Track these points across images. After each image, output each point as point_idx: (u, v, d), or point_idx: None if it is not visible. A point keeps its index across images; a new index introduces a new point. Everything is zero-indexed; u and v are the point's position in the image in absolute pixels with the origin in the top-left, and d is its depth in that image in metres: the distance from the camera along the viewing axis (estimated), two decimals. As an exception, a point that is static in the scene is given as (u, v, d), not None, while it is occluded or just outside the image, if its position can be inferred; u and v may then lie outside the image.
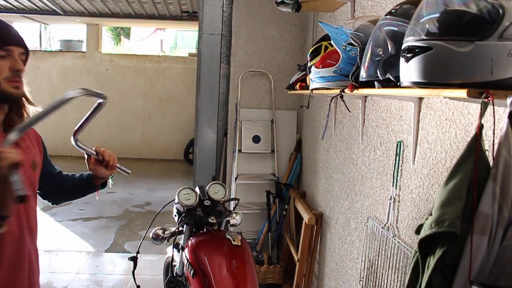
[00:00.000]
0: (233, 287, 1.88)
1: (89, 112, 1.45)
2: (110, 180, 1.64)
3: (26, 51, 1.36)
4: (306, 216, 2.80)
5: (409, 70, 0.93)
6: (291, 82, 2.80)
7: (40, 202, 1.54)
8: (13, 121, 1.35)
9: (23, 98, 1.40)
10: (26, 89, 1.39)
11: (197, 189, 2.28)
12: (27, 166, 1.33)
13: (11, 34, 1.32)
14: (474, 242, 0.83)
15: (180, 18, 7.78)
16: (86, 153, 1.54)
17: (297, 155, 3.60)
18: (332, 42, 1.76)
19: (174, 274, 2.46)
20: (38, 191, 1.54)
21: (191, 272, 2.00)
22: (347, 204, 2.36)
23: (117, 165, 1.58)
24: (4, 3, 7.28)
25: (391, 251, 1.72)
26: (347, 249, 2.34)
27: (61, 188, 1.63)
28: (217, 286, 1.88)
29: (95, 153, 1.52)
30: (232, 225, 2.37)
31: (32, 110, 1.43)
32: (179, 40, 13.52)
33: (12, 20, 8.80)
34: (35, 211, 1.46)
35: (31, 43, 10.70)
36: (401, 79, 0.99)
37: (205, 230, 2.24)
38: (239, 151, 3.57)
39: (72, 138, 1.48)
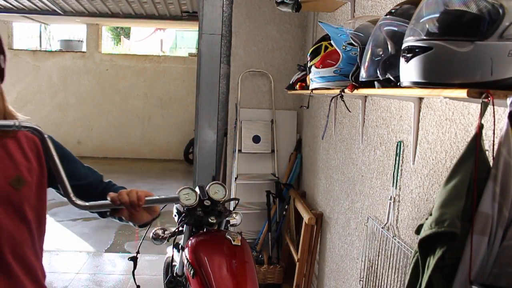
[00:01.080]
0: (233, 287, 1.89)
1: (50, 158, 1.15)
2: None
3: None
4: (306, 216, 2.80)
5: (409, 70, 0.93)
6: (291, 82, 2.80)
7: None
8: None
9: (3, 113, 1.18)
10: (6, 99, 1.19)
11: (197, 189, 2.28)
12: (0, 181, 1.13)
13: None
14: (474, 242, 0.83)
15: (180, 18, 7.77)
16: (101, 210, 1.23)
17: (297, 155, 3.60)
18: (332, 42, 1.76)
19: (174, 274, 2.46)
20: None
21: (191, 272, 2.00)
22: (347, 204, 2.36)
23: (150, 197, 1.22)
24: (4, 3, 7.27)
25: (391, 251, 1.72)
26: (347, 249, 2.34)
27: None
28: (217, 286, 1.88)
29: (109, 202, 1.20)
30: (232, 225, 2.37)
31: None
32: (179, 40, 13.51)
33: (12, 20, 8.82)
34: (23, 243, 1.18)
35: (31, 43, 10.71)
36: (401, 79, 0.99)
37: (205, 230, 2.24)
38: (239, 151, 3.57)
39: (70, 202, 1.15)
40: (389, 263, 1.73)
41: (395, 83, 1.18)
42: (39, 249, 1.25)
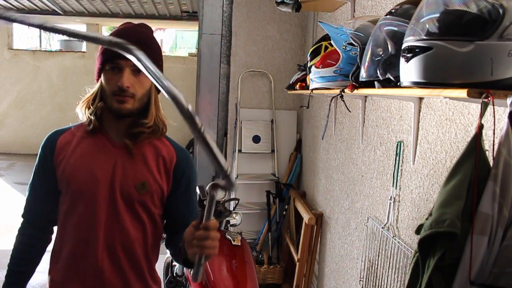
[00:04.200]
0: (233, 287, 1.89)
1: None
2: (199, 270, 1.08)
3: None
4: (306, 216, 2.80)
5: (409, 70, 0.93)
6: (291, 82, 2.80)
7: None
8: (132, 133, 1.29)
9: (154, 119, 1.34)
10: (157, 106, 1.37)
11: (197, 189, 2.28)
12: (129, 182, 1.27)
13: None
14: (474, 242, 0.83)
15: (180, 18, 7.77)
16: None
17: (297, 155, 3.60)
18: (332, 42, 1.76)
19: (174, 274, 2.47)
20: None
21: (191, 272, 2.00)
22: (347, 204, 2.36)
23: (202, 259, 1.05)
24: (4, 3, 7.27)
25: (391, 251, 1.72)
26: (347, 249, 2.34)
27: (174, 239, 1.36)
28: (217, 286, 1.88)
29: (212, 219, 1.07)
30: (232, 225, 2.38)
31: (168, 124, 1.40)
32: (179, 40, 13.50)
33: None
34: (136, 240, 1.30)
35: (31, 43, 10.71)
36: (401, 79, 0.99)
37: (205, 230, 2.24)
38: (239, 151, 3.57)
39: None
40: (389, 263, 1.73)
41: (395, 83, 1.18)
42: (151, 252, 1.36)
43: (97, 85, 1.30)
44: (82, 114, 1.32)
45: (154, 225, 1.34)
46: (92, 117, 1.29)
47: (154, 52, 1.31)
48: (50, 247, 1.40)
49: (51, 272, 1.35)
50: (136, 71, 1.25)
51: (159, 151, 1.34)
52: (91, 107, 1.30)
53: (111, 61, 1.23)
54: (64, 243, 1.32)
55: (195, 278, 1.07)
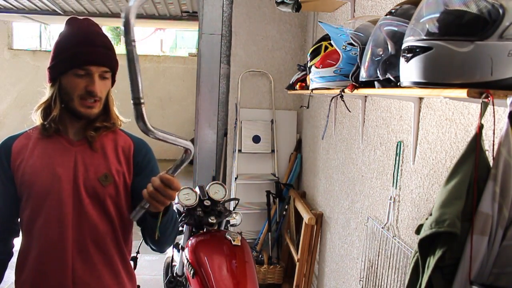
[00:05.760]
0: (233, 287, 1.89)
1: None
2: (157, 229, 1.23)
3: (112, 69, 1.33)
4: (306, 216, 2.80)
5: (409, 70, 0.93)
6: (291, 82, 2.80)
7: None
8: (95, 126, 1.32)
9: (112, 115, 1.38)
10: (115, 108, 1.40)
11: (197, 189, 2.29)
12: (91, 177, 1.28)
13: (93, 53, 1.26)
14: (474, 242, 0.83)
15: (180, 18, 7.76)
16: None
17: (297, 155, 3.60)
18: (332, 42, 1.76)
19: (174, 274, 2.47)
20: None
21: (191, 272, 2.00)
22: (347, 204, 2.36)
23: (145, 204, 1.17)
24: (4, 3, 7.27)
25: (391, 251, 1.72)
26: (347, 249, 2.34)
27: (143, 224, 1.34)
28: (217, 286, 1.88)
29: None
30: (232, 225, 2.38)
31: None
32: (179, 40, 13.50)
33: (12, 20, 8.81)
34: (106, 234, 1.30)
35: (31, 43, 10.71)
36: (401, 79, 0.99)
37: (205, 230, 2.24)
38: (239, 151, 3.57)
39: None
40: (389, 263, 1.73)
41: (395, 83, 1.18)
42: (124, 246, 1.36)
43: (54, 89, 1.29)
44: (38, 119, 1.33)
45: (121, 218, 1.34)
46: (52, 124, 1.29)
47: (114, 52, 1.34)
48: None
49: (17, 283, 1.32)
50: (102, 77, 1.28)
51: (117, 142, 1.36)
52: (52, 112, 1.29)
53: (81, 67, 1.23)
54: (31, 249, 1.28)
55: (133, 217, 1.18)
